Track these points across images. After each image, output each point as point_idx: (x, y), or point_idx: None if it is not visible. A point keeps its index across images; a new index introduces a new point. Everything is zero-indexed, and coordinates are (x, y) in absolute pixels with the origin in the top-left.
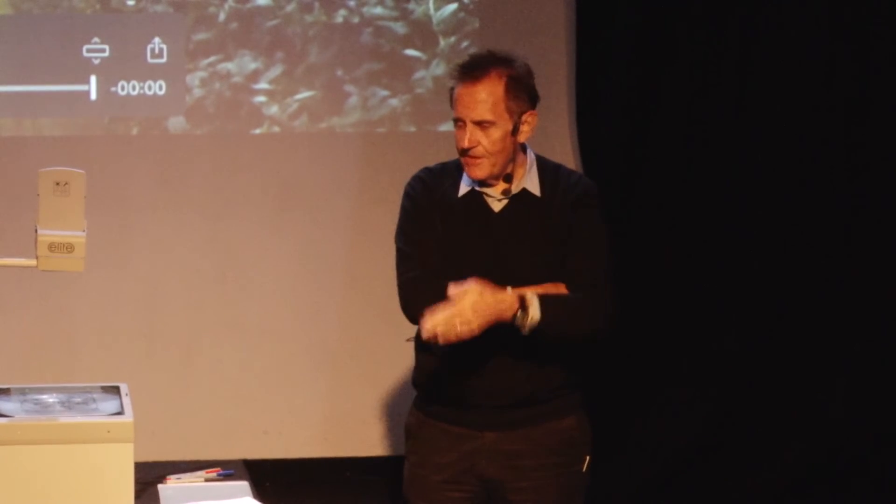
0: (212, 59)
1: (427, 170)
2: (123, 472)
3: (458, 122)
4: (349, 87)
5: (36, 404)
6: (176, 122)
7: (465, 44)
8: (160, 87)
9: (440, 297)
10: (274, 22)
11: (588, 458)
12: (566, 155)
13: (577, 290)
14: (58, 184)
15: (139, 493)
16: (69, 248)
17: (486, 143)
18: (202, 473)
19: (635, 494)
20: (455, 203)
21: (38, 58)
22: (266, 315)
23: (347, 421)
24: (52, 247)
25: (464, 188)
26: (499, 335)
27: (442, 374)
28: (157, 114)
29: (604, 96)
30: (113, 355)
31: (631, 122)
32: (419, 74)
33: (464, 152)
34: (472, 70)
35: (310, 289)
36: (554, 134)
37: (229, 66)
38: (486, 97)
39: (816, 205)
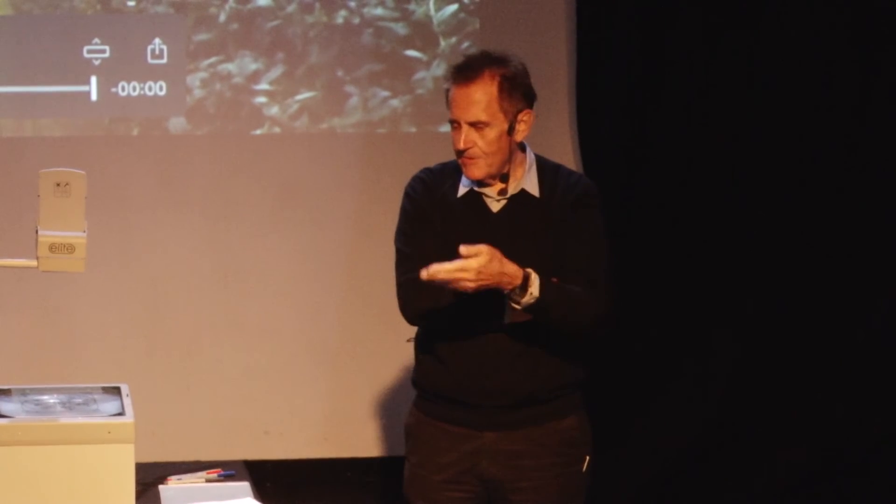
0: (212, 59)
1: (427, 170)
2: (124, 472)
3: (454, 124)
4: (350, 88)
5: (37, 405)
6: (176, 123)
7: (465, 44)
8: (161, 88)
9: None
10: (274, 23)
11: (588, 458)
12: (566, 155)
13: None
14: (58, 184)
15: (140, 494)
16: (70, 248)
17: (482, 143)
18: (203, 474)
19: (635, 494)
20: (454, 203)
21: (38, 58)
22: (266, 315)
23: (348, 421)
24: (52, 247)
25: (463, 188)
26: (499, 335)
27: (442, 375)
28: (157, 114)
29: (604, 96)
30: (113, 356)
31: (631, 122)
32: (420, 75)
33: (460, 153)
34: (465, 71)
35: (310, 289)
36: (554, 134)
37: (230, 66)
38: (479, 98)
39: (817, 205)
